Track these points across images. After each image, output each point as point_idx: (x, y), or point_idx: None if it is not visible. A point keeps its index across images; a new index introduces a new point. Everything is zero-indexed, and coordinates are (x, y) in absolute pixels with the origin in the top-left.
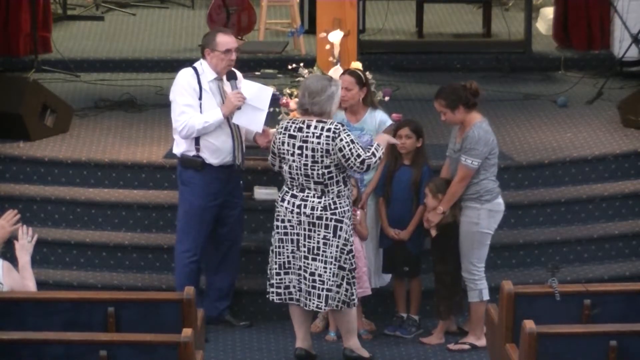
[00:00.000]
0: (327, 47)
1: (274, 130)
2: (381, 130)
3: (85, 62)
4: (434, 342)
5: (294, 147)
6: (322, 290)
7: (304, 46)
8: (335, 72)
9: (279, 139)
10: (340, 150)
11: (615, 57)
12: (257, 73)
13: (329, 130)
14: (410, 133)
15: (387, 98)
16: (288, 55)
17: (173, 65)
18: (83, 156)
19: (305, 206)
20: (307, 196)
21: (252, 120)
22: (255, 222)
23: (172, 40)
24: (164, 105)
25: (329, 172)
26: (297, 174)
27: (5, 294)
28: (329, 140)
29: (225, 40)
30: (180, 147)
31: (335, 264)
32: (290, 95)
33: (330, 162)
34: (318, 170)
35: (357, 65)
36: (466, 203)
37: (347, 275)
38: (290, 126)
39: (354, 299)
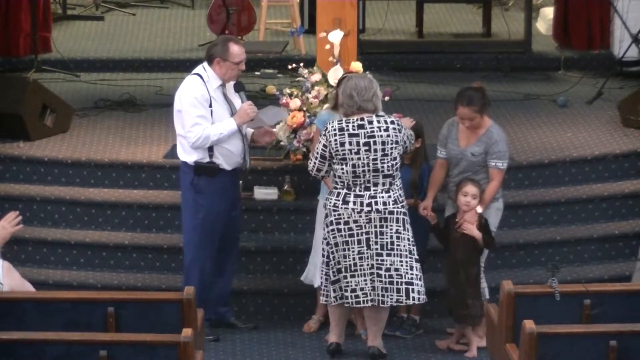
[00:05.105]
0: (327, 47)
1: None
2: None
3: (85, 62)
4: (471, 354)
5: (358, 144)
6: (402, 284)
7: (303, 46)
8: (335, 72)
9: (335, 140)
10: (408, 137)
11: (615, 57)
12: (257, 73)
13: (392, 122)
14: None
15: (387, 98)
16: (288, 55)
17: (173, 65)
18: (83, 156)
19: (376, 202)
20: (375, 192)
21: (276, 115)
22: (255, 222)
23: (172, 40)
24: (164, 105)
25: (396, 163)
26: (363, 171)
27: (5, 294)
28: (396, 132)
29: (238, 51)
30: (191, 155)
31: (410, 257)
32: (290, 95)
33: (398, 153)
34: (388, 162)
35: (357, 65)
36: None
37: (420, 267)
38: (346, 126)
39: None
